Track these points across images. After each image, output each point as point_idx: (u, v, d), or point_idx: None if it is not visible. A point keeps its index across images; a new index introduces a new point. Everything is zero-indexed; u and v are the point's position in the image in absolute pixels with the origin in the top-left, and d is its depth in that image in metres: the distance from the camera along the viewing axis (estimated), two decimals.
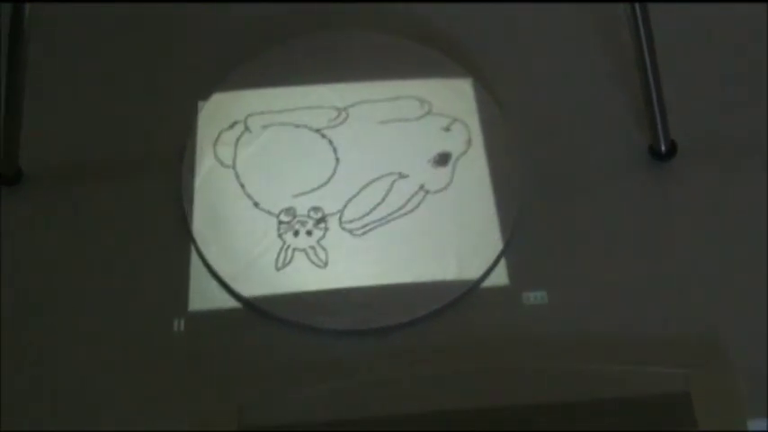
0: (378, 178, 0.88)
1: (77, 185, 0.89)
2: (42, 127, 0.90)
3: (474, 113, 0.92)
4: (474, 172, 0.89)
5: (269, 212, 0.87)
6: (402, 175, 0.89)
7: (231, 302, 0.82)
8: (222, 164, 0.89)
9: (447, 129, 0.91)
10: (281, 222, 0.86)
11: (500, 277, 0.84)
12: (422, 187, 0.88)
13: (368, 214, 0.87)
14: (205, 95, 0.93)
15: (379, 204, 0.87)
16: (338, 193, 0.88)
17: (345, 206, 0.87)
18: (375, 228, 0.86)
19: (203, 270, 0.84)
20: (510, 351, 0.80)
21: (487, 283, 0.83)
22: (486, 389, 0.76)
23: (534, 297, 0.83)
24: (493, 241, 0.85)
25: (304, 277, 0.83)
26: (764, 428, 0.76)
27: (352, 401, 0.76)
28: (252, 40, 0.97)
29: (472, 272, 0.83)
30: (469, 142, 0.90)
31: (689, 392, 0.75)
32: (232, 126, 0.91)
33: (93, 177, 0.89)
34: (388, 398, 0.76)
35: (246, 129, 0.91)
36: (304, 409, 0.76)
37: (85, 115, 0.93)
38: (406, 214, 0.87)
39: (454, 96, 0.93)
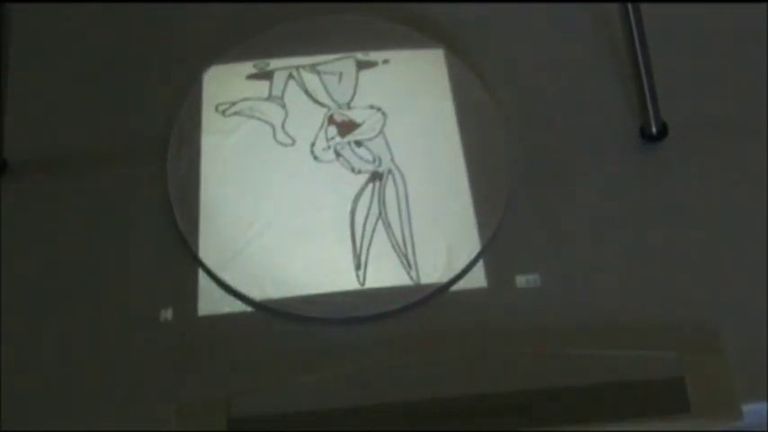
0: None
1: (63, 176, 0.88)
2: (27, 117, 0.90)
3: (462, 96, 0.91)
4: (464, 154, 0.88)
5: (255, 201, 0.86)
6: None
7: (218, 292, 0.82)
8: (208, 152, 0.88)
9: (437, 112, 0.90)
10: None
11: (492, 262, 0.83)
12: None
13: None
14: (191, 82, 0.92)
15: None
16: None
17: None
18: None
19: (190, 259, 0.83)
20: (503, 336, 0.79)
21: (479, 267, 0.83)
22: (479, 374, 0.76)
23: (527, 281, 0.82)
24: (484, 225, 0.84)
25: (292, 266, 0.83)
26: (763, 412, 0.76)
27: (343, 390, 0.76)
28: (243, 26, 0.96)
29: (463, 256, 0.83)
30: (458, 125, 0.89)
31: (683, 377, 0.75)
32: (218, 114, 0.90)
33: (79, 168, 0.89)
34: (381, 386, 0.76)
35: (233, 115, 0.90)
36: (292, 398, 0.75)
37: (71, 105, 0.92)
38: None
39: (442, 79, 0.92)
